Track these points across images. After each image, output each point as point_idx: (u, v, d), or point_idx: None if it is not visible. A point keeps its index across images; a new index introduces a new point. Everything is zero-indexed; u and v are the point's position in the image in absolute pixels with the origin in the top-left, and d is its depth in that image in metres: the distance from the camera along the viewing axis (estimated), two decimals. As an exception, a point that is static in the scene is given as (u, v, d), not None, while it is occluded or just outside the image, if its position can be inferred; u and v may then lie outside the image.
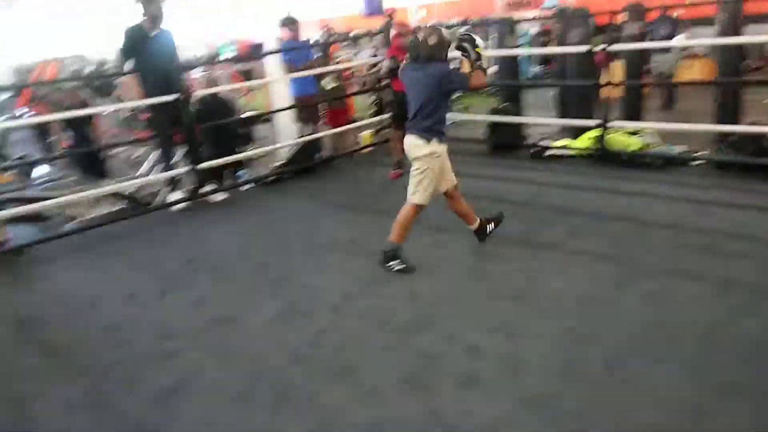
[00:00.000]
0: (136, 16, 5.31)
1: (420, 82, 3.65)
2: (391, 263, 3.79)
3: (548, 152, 6.14)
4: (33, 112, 9.09)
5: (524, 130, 6.83)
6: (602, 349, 2.80)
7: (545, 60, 12.36)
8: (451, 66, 3.76)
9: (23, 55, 15.46)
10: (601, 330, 2.97)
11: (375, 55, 9.24)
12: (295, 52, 6.63)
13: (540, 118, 6.87)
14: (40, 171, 7.75)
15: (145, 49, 5.27)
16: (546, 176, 5.56)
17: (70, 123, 7.46)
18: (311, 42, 7.27)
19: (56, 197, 5.49)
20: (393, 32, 5.40)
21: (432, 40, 3.59)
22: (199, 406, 2.69)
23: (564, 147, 6.11)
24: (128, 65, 5.40)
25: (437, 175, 3.77)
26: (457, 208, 4.02)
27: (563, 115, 7.28)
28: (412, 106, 3.73)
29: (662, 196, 4.75)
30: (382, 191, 5.60)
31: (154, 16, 5.26)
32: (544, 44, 12.50)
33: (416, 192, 3.75)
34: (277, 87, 7.03)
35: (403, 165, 5.68)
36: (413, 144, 3.73)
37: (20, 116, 9.05)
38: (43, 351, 3.30)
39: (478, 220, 4.06)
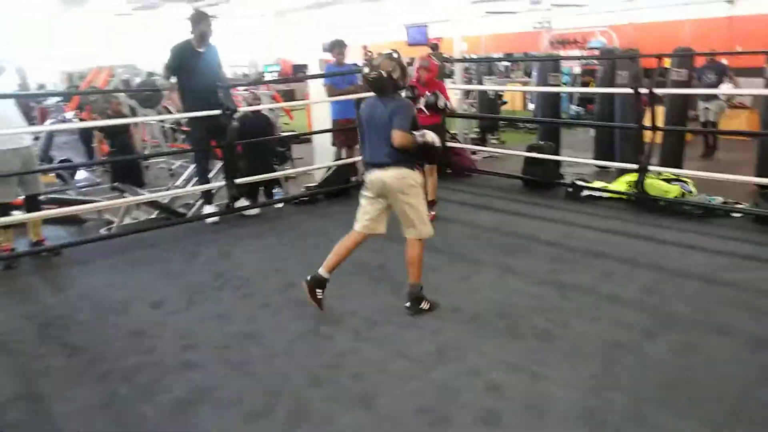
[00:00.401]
0: (185, 33, 5.48)
1: (382, 114, 3.49)
2: (421, 306, 3.65)
3: (584, 193, 6.08)
4: (79, 118, 9.40)
5: (561, 168, 6.78)
6: (626, 398, 2.73)
7: (585, 100, 12.33)
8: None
9: (77, 61, 16.04)
10: (627, 379, 2.89)
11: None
12: (339, 76, 6.74)
13: (578, 158, 6.82)
14: (81, 175, 7.98)
15: (191, 65, 5.41)
16: (580, 217, 5.50)
17: (108, 132, 7.67)
18: (355, 66, 7.34)
19: (94, 202, 5.64)
20: (416, 64, 5.38)
21: (396, 75, 3.48)
22: (216, 418, 2.69)
23: (601, 189, 6.04)
24: (173, 80, 5.54)
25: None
26: (346, 252, 3.72)
27: (602, 157, 7.24)
28: (377, 140, 3.54)
29: (698, 247, 4.64)
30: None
31: (202, 33, 5.40)
32: (586, 84, 12.49)
33: (419, 225, 3.60)
34: (318, 109, 7.15)
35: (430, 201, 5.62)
36: (398, 177, 3.50)
37: (67, 121, 9.36)
38: (68, 351, 3.36)
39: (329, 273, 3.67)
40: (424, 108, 5.27)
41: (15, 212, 4.94)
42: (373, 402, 2.77)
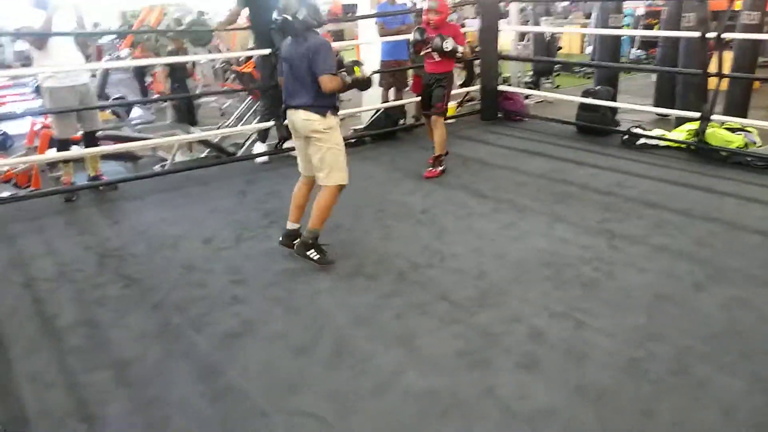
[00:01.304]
0: None
1: (298, 54, 3.37)
2: (309, 252, 3.53)
3: (641, 141, 5.86)
4: (132, 56, 9.52)
5: (617, 115, 6.54)
6: (671, 350, 2.69)
7: (648, 43, 11.73)
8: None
9: (131, 0, 16.15)
10: (673, 331, 2.84)
11: (463, 25, 9.03)
12: (390, 16, 6.59)
13: (637, 105, 6.54)
14: (136, 112, 8.16)
15: (263, 1, 5.36)
16: (635, 166, 5.32)
17: (172, 69, 7.75)
18: (408, 6, 7.16)
19: (149, 139, 5.77)
20: (425, 5, 4.96)
21: (301, 15, 3.34)
22: (261, 351, 2.79)
23: (659, 137, 5.81)
24: (243, 14, 5.49)
25: (343, 148, 3.54)
26: (300, 200, 3.75)
27: (662, 104, 6.94)
28: (293, 81, 3.44)
29: (758, 200, 4.45)
30: (460, 163, 5.52)
31: None
32: (650, 27, 11.86)
33: (331, 172, 3.47)
34: (368, 49, 7.03)
35: (435, 156, 5.36)
36: (305, 120, 3.42)
37: (122, 58, 9.50)
38: (124, 282, 3.51)
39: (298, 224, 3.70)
40: (433, 52, 4.91)
41: (74, 147, 5.11)
42: (413, 342, 2.81)
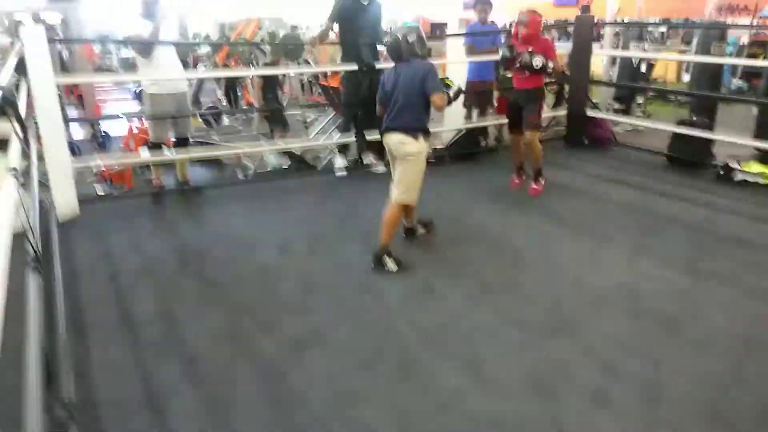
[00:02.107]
0: None
1: (404, 78, 3.66)
2: (385, 262, 3.72)
3: (738, 176, 5.52)
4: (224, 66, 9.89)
5: (713, 148, 6.20)
6: (757, 400, 2.49)
7: (750, 74, 11.11)
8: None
9: (229, 13, 16.94)
10: (760, 380, 2.63)
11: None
12: (480, 36, 6.55)
13: (735, 138, 6.18)
14: (225, 121, 8.48)
15: (353, 17, 5.51)
16: (729, 202, 5.01)
17: (267, 81, 7.93)
18: (499, 27, 7.09)
19: (236, 147, 5.98)
20: (516, 19, 4.91)
21: (411, 38, 3.68)
22: (327, 361, 2.80)
23: (758, 174, 5.45)
24: (330, 31, 5.66)
25: (423, 170, 3.78)
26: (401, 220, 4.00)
27: (763, 138, 6.53)
28: (395, 103, 3.70)
29: None
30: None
31: None
32: (754, 56, 11.23)
33: (405, 191, 3.75)
34: (454, 69, 7.01)
35: (523, 171, 5.38)
36: (401, 142, 3.69)
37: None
38: (202, 282, 3.63)
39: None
40: (521, 67, 4.79)
41: (166, 151, 5.36)
42: (480, 367, 2.74)
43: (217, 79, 9.97)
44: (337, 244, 4.18)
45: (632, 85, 9.21)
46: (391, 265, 3.71)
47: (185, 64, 5.90)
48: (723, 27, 8.35)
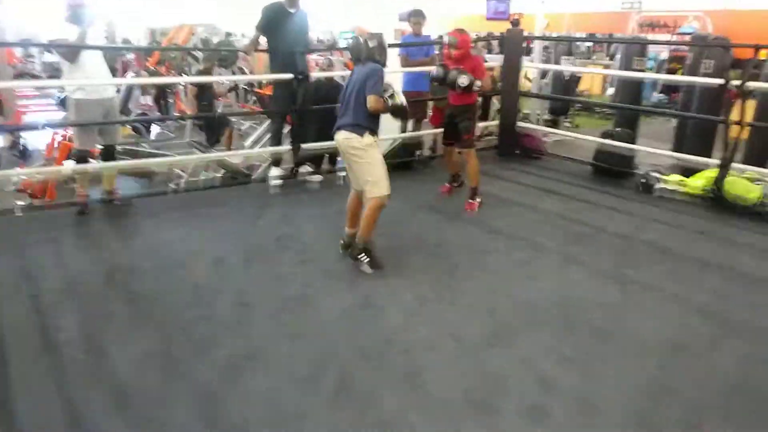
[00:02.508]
0: None
1: (355, 79, 3.80)
2: (360, 255, 3.84)
3: (658, 186, 5.80)
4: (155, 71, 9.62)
5: (636, 158, 6.49)
6: (683, 405, 2.61)
7: (670, 88, 11.71)
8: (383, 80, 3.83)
9: (161, 18, 16.47)
10: (686, 385, 2.76)
11: (485, 61, 9.02)
12: (414, 47, 6.62)
13: (656, 149, 6.49)
14: (156, 129, 8.23)
15: (282, 26, 5.47)
16: (652, 211, 5.26)
17: (201, 89, 7.73)
18: (433, 38, 7.19)
19: (166, 156, 5.80)
20: (444, 39, 5.02)
21: (372, 43, 3.83)
22: (264, 380, 2.74)
23: (677, 183, 5.75)
24: (259, 41, 5.61)
25: (383, 163, 3.84)
26: (352, 210, 4.08)
27: (681, 150, 6.88)
28: (345, 104, 3.84)
29: (778, 253, 4.37)
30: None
31: None
32: (673, 71, 11.86)
33: (373, 184, 3.78)
34: (389, 79, 7.05)
35: (458, 180, 5.55)
36: (345, 138, 3.79)
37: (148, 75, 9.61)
38: (130, 300, 3.49)
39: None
40: (450, 85, 4.91)
41: (92, 161, 5.15)
42: (419, 381, 2.75)
43: (147, 86, 9.68)
44: (273, 257, 4.12)
45: (559, 97, 9.54)
46: (366, 267, 3.81)
47: (113, 71, 5.70)
48: (644, 42, 8.77)
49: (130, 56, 10.96)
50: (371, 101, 3.69)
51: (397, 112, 3.91)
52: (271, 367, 2.84)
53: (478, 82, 4.87)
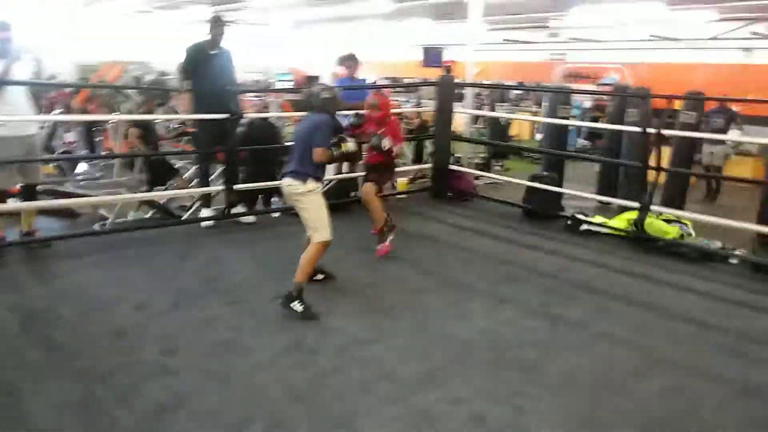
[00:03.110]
0: (202, 35, 5.53)
1: (303, 128, 3.94)
2: (293, 304, 3.73)
3: (583, 227, 6.03)
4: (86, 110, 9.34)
5: (562, 200, 6.75)
6: (611, 440, 2.67)
7: (593, 135, 12.33)
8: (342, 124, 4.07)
9: (91, 54, 16.07)
10: (612, 419, 2.84)
11: (419, 104, 9.23)
12: (350, 90, 6.72)
13: (580, 192, 6.78)
14: (81, 168, 7.95)
15: (203, 67, 5.44)
16: (578, 251, 5.45)
17: (146, 131, 7.14)
18: (367, 82, 7.34)
19: (91, 196, 5.60)
20: (368, 100, 5.15)
21: (324, 95, 3.97)
22: (191, 429, 2.63)
23: (600, 224, 6.00)
24: (186, 82, 5.58)
25: (324, 208, 3.92)
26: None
27: (604, 192, 7.22)
28: (293, 150, 3.94)
29: (693, 290, 4.59)
30: (408, 239, 5.55)
31: (216, 35, 5.46)
32: (595, 119, 12.51)
33: (315, 230, 3.85)
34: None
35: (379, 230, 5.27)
36: (289, 185, 3.89)
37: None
38: (47, 346, 3.30)
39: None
40: (371, 147, 5.00)
41: (10, 200, 4.90)
42: (353, 424, 2.71)
43: (72, 123, 9.37)
44: (201, 300, 3.99)
45: (490, 142, 9.88)
46: (297, 307, 3.71)
47: (39, 107, 5.50)
48: (568, 92, 9.22)
49: (57, 92, 10.61)
50: (317, 154, 3.80)
51: (344, 158, 4.07)
52: (197, 415, 2.73)
53: (396, 147, 5.03)
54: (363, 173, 5.62)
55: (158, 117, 9.15)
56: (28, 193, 4.91)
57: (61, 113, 9.43)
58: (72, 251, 4.81)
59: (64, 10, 16.64)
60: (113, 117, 8.41)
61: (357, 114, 5.17)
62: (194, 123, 5.84)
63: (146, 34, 18.25)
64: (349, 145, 4.01)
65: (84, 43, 16.94)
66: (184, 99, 6.15)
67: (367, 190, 5.09)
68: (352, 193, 6.72)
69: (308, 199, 3.87)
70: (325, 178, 6.56)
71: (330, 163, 4.02)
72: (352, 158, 4.13)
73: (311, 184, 3.86)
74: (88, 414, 2.71)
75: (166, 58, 16.19)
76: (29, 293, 4.04)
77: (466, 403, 2.90)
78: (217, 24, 5.49)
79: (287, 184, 3.90)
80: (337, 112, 4.16)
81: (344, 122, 6.73)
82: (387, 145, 4.91)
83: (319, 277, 4.23)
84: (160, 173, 6.49)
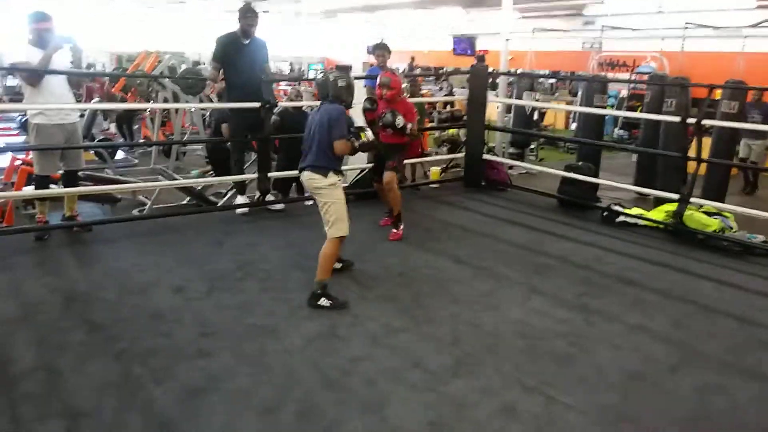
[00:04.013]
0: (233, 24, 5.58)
1: (320, 119, 3.79)
2: (320, 301, 3.72)
3: (620, 218, 5.93)
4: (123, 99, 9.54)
5: (598, 191, 6.64)
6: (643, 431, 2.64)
7: (630, 124, 12.10)
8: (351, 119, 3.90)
9: (128, 44, 16.38)
10: (645, 413, 2.79)
11: (451, 93, 9.16)
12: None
13: (617, 182, 6.66)
14: (120, 155, 8.12)
15: (236, 57, 5.48)
16: (614, 242, 5.36)
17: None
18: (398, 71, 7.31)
19: (130, 182, 5.72)
20: (378, 79, 5.03)
21: (341, 83, 3.83)
22: (224, 410, 2.68)
23: (638, 216, 5.89)
24: (218, 70, 5.62)
25: (344, 203, 3.84)
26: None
27: (642, 183, 7.08)
28: (309, 144, 3.83)
29: (734, 284, 4.48)
30: (441, 228, 5.54)
31: (246, 25, 5.49)
32: (632, 108, 12.26)
33: (333, 224, 3.78)
34: (356, 110, 7.12)
35: (395, 216, 5.26)
36: (310, 178, 3.81)
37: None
38: (88, 327, 3.39)
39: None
40: (383, 126, 4.84)
41: (53, 186, 5.04)
42: (383, 410, 2.72)
43: (109, 112, 9.57)
44: (237, 284, 4.06)
45: (525, 131, 9.76)
46: (325, 302, 3.70)
47: (77, 96, 5.62)
48: (604, 81, 9.06)
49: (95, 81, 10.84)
50: (338, 147, 3.74)
51: (366, 148, 3.95)
52: (230, 398, 2.78)
53: (409, 125, 4.87)
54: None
55: (192, 105, 9.29)
56: (70, 178, 5.03)
57: (99, 102, 9.63)
58: (112, 235, 4.93)
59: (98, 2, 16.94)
60: (145, 105, 8.56)
61: (369, 99, 5.09)
62: (229, 112, 5.88)
63: (180, 23, 18.50)
64: (369, 134, 3.94)
65: (121, 34, 17.25)
66: (216, 87, 6.22)
67: (389, 179, 5.02)
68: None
69: (330, 192, 3.80)
70: (356, 167, 6.64)
71: (352, 154, 3.93)
72: (372, 148, 4.01)
73: (333, 177, 3.80)
74: (126, 393, 2.78)
75: (200, 48, 16.45)
76: (70, 275, 4.15)
77: (497, 393, 2.89)
78: (248, 13, 5.49)
79: (308, 177, 3.83)
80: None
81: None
82: (401, 123, 4.79)
83: (338, 266, 4.16)
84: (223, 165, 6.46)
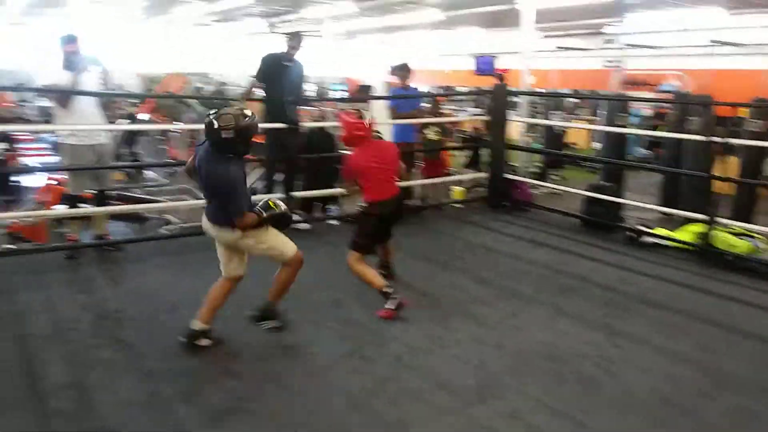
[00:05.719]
0: (270, 46, 5.77)
1: (212, 175, 3.25)
2: (263, 323, 3.61)
3: (645, 239, 5.87)
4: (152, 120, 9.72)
5: (622, 211, 6.59)
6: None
7: (654, 144, 12.00)
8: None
9: (155, 66, 16.72)
10: (677, 439, 2.76)
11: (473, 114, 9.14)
12: (402, 99, 6.79)
13: (642, 203, 6.60)
14: (149, 174, 8.27)
15: (278, 77, 5.66)
16: (639, 263, 5.31)
17: None
18: (420, 91, 7.39)
19: (159, 201, 5.82)
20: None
21: (226, 134, 3.08)
22: (250, 430, 2.70)
23: (663, 237, 5.83)
24: (260, 89, 5.77)
25: (269, 229, 3.42)
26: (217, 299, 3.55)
27: (667, 204, 7.01)
28: (204, 191, 3.40)
29: (764, 307, 4.41)
30: (465, 248, 5.54)
31: (293, 48, 5.70)
32: (655, 127, 12.17)
33: (276, 254, 3.48)
34: (380, 130, 7.19)
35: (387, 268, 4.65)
36: (219, 233, 3.38)
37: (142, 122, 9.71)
38: (118, 345, 3.45)
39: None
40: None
41: (83, 205, 5.15)
42: None
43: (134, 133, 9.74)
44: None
45: (546, 151, 9.75)
46: (271, 325, 3.61)
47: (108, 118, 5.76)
48: (624, 99, 9.03)
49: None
50: (242, 223, 3.25)
51: (277, 222, 3.41)
52: (257, 418, 2.81)
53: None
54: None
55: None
56: (100, 198, 5.14)
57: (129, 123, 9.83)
58: (141, 254, 5.02)
59: (127, 22, 17.36)
60: (173, 127, 8.74)
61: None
62: (262, 132, 6.01)
63: (205, 46, 18.86)
64: (280, 205, 3.38)
65: (148, 56, 17.63)
66: (254, 107, 6.34)
67: (350, 261, 4.21)
68: (408, 202, 6.75)
69: (246, 240, 3.36)
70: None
71: (257, 227, 3.34)
72: (283, 222, 3.46)
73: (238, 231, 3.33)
74: (154, 411, 2.83)
75: (225, 70, 16.75)
76: (101, 293, 4.23)
77: (523, 416, 2.88)
78: (296, 38, 5.74)
79: (216, 232, 3.36)
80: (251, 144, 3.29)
81: (409, 134, 6.78)
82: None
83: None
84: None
